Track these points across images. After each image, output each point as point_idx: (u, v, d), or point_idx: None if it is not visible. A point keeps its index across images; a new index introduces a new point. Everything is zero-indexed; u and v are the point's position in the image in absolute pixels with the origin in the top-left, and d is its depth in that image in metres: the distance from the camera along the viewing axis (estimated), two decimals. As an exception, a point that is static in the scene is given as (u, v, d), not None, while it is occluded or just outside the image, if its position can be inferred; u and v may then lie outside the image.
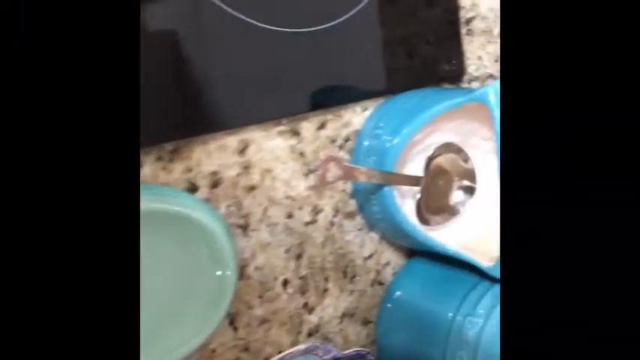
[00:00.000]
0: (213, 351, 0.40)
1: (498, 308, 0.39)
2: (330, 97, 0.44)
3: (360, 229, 0.46)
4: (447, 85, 0.49)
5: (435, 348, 0.42)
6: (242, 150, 0.40)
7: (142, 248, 0.36)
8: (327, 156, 0.38)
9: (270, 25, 0.41)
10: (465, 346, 0.39)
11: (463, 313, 0.41)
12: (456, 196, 0.45)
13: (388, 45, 0.46)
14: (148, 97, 0.35)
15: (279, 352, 0.42)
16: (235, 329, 0.41)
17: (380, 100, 0.45)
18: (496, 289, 0.40)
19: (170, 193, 0.37)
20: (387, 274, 0.48)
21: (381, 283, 0.48)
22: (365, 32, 0.45)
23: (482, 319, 0.39)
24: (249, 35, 0.40)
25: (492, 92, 0.37)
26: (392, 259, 0.48)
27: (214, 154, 0.39)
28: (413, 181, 0.43)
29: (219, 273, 0.37)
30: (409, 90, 0.46)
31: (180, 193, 0.38)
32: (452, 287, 0.44)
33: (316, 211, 0.44)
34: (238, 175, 0.40)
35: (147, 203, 0.35)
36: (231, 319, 0.41)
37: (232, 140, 0.39)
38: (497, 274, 0.39)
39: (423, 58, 0.48)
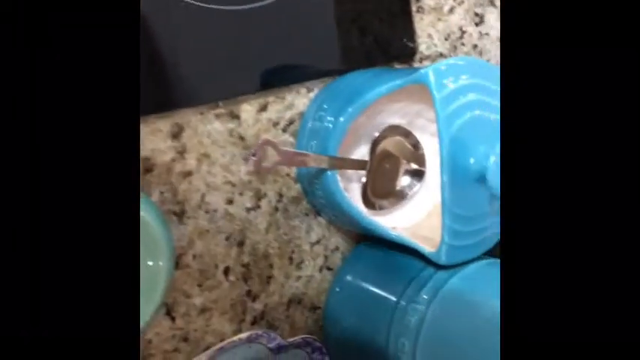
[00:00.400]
0: (150, 342, 0.39)
1: (441, 294, 0.38)
2: (272, 78, 0.42)
3: (306, 214, 0.45)
4: (397, 65, 0.47)
5: (380, 334, 0.41)
6: (176, 134, 0.38)
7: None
8: (263, 140, 0.36)
9: (207, 3, 0.39)
10: (407, 332, 0.38)
11: (407, 299, 0.40)
12: (404, 180, 0.44)
13: (339, 22, 0.44)
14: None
15: (221, 341, 0.41)
16: (173, 319, 0.40)
17: (327, 81, 0.44)
18: (439, 275, 0.39)
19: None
20: (337, 259, 0.47)
21: (330, 269, 0.46)
22: (313, 8, 0.44)
23: (425, 305, 0.38)
24: (182, 12, 0.38)
25: (432, 73, 0.35)
26: (341, 244, 0.47)
27: (146, 139, 0.37)
28: (358, 164, 0.42)
29: (150, 263, 0.36)
30: (359, 69, 0.45)
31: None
32: (398, 272, 0.43)
33: (259, 196, 0.42)
34: (173, 160, 0.38)
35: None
36: (168, 309, 0.39)
37: (165, 124, 0.38)
38: (439, 260, 0.38)
39: (376, 37, 0.46)
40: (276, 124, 0.42)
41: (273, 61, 0.42)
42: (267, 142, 0.37)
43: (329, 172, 0.40)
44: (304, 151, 0.39)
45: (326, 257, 0.46)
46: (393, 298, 0.41)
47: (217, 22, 0.39)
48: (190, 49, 0.38)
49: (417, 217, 0.44)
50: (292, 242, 0.44)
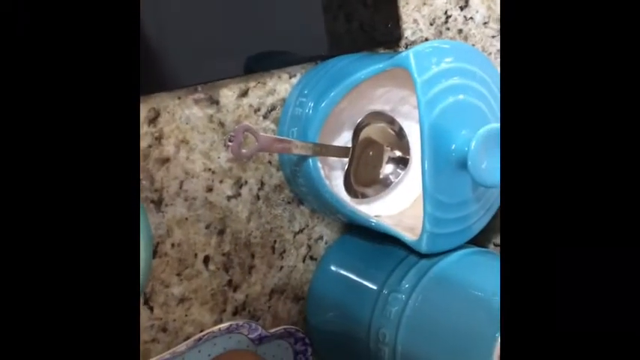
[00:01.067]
0: (127, 332, 0.38)
1: (422, 283, 0.37)
2: (254, 63, 0.41)
3: (289, 203, 0.44)
4: (383, 51, 0.46)
5: (361, 324, 0.40)
6: (153, 119, 0.38)
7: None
8: (241, 125, 0.35)
9: (184, -15, 0.38)
10: (388, 323, 0.37)
11: (389, 288, 0.40)
12: (387, 167, 0.43)
13: (325, 7, 0.43)
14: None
15: (201, 332, 0.41)
16: (151, 309, 0.39)
17: (309, 67, 0.43)
18: (421, 263, 0.39)
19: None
20: (320, 249, 0.46)
21: (313, 258, 0.46)
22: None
23: (406, 294, 0.37)
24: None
25: (412, 55, 0.34)
26: (325, 233, 0.46)
27: (120, 125, 0.36)
28: (341, 151, 0.41)
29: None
30: (344, 55, 0.44)
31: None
32: (381, 261, 0.42)
33: (239, 184, 0.41)
34: (149, 146, 0.38)
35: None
36: (146, 299, 0.39)
37: (141, 109, 0.37)
38: (420, 248, 0.37)
39: (361, 22, 0.45)
40: (257, 110, 0.41)
41: (256, 45, 0.41)
42: (245, 128, 0.36)
43: (310, 160, 0.39)
44: (285, 137, 0.38)
45: (309, 247, 0.45)
46: (375, 288, 0.41)
47: (198, 3, 0.38)
48: (169, 30, 0.37)
49: (401, 205, 0.44)
50: (274, 231, 0.44)
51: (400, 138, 0.43)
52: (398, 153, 0.43)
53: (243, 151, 0.36)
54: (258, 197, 0.42)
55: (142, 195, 0.38)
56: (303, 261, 0.45)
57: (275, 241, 0.44)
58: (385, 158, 0.43)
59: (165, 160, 0.38)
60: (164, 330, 0.40)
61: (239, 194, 0.41)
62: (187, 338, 0.40)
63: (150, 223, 0.38)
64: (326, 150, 0.40)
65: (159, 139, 0.38)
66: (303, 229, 0.45)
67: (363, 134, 0.42)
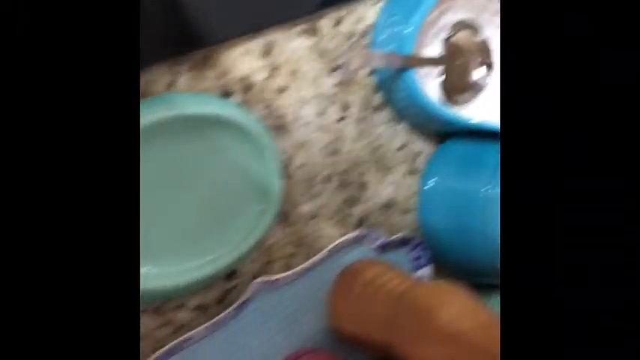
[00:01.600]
0: (269, 248, 0.43)
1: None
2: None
3: (389, 122, 0.47)
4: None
5: (475, 221, 0.44)
6: (267, 53, 0.41)
7: (183, 155, 0.38)
8: (347, 47, 0.39)
9: None
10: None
11: (495, 183, 0.43)
12: (478, 72, 0.46)
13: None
14: (165, 6, 0.36)
15: (331, 244, 0.44)
16: (287, 226, 0.43)
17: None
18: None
19: (204, 99, 0.39)
20: (421, 163, 0.49)
21: (416, 172, 0.49)
22: None
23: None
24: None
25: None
26: (424, 147, 0.49)
27: (240, 59, 0.40)
28: (434, 61, 0.44)
29: (263, 169, 0.39)
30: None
31: (216, 98, 0.40)
32: (483, 161, 0.45)
33: (345, 107, 0.45)
34: (267, 77, 0.41)
35: (184, 109, 0.36)
36: (282, 218, 0.43)
37: (256, 44, 0.41)
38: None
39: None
40: (351, 36, 0.45)
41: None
42: (351, 49, 0.40)
43: (408, 73, 0.42)
44: (385, 52, 0.42)
45: (412, 161, 0.49)
46: (484, 185, 0.44)
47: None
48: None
49: (493, 107, 0.47)
50: (380, 149, 0.47)
51: (484, 44, 0.46)
52: (484, 59, 0.46)
53: (352, 69, 0.40)
54: (362, 118, 0.46)
55: (266, 122, 0.41)
56: (408, 174, 0.49)
57: (381, 158, 0.47)
58: (474, 64, 0.46)
59: (280, 90, 0.42)
60: (300, 245, 0.44)
61: (346, 117, 0.45)
62: (320, 250, 0.44)
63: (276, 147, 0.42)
64: (422, 61, 0.43)
65: (274, 70, 0.42)
66: (404, 145, 0.48)
67: (451, 43, 0.45)
